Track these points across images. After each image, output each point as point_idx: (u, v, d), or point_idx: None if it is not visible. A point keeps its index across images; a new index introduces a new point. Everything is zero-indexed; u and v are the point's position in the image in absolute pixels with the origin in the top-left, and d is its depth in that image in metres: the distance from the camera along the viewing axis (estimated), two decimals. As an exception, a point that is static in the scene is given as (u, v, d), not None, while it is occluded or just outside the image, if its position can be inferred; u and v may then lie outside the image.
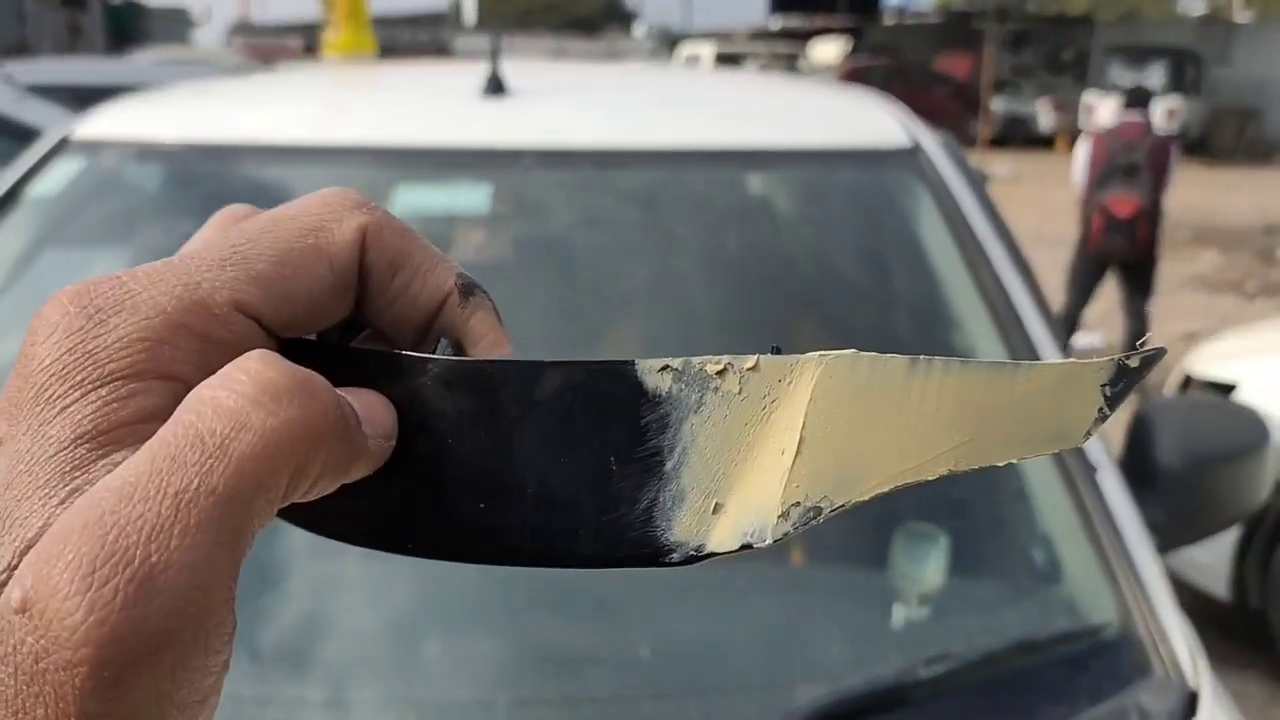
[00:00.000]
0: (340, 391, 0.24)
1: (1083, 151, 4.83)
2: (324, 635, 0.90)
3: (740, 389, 0.26)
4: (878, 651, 0.96)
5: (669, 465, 0.26)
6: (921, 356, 0.25)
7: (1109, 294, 4.92)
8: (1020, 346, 1.18)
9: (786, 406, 0.25)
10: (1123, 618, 0.92)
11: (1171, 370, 3.13)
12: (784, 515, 0.25)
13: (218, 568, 0.20)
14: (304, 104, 1.50)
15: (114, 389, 0.22)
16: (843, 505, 0.25)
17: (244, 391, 0.21)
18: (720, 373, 0.26)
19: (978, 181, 1.58)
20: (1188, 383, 2.83)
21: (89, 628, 0.19)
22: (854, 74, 15.67)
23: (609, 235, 1.42)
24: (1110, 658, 0.89)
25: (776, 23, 26.10)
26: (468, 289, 0.28)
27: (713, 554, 0.25)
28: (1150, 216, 4.59)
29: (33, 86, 4.06)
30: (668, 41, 24.71)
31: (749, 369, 0.26)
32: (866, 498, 0.25)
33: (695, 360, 0.26)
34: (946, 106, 15.60)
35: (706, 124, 1.52)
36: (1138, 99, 4.88)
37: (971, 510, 1.10)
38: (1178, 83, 15.89)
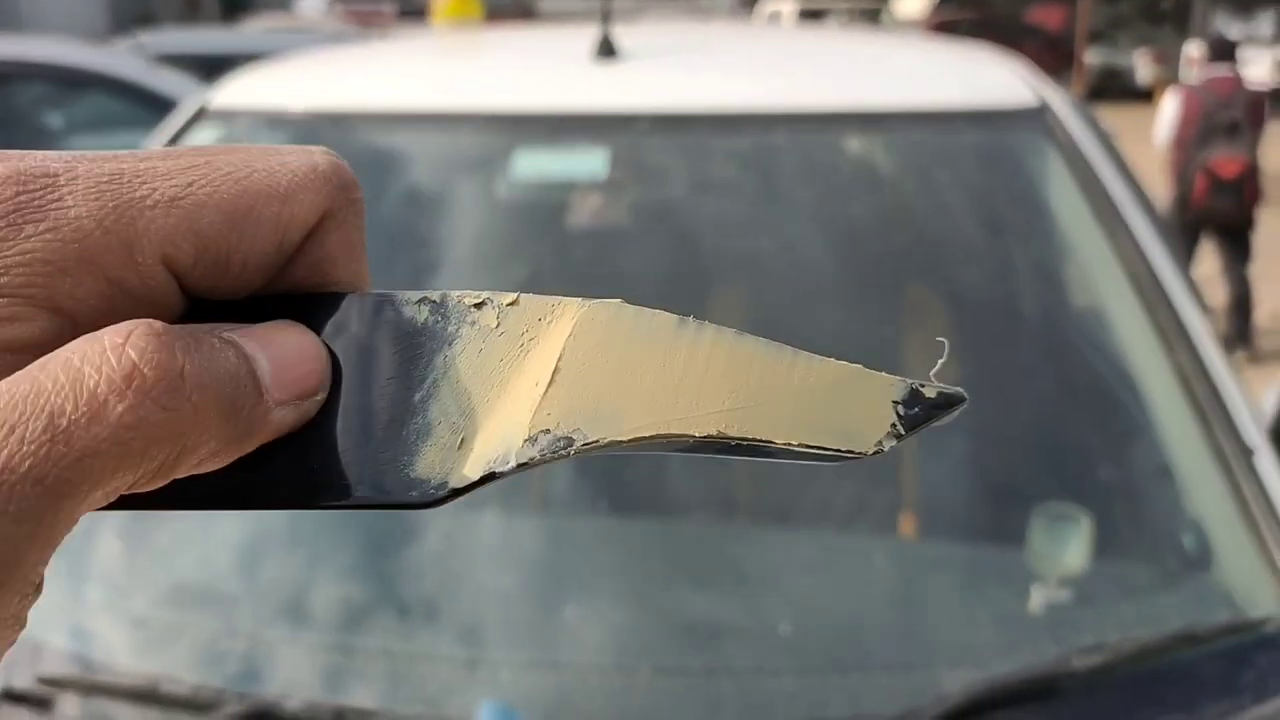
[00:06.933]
0: (256, 340, 0.22)
1: (1171, 107, 4.59)
2: (467, 596, 0.90)
3: (498, 324, 0.25)
4: (1020, 635, 0.93)
5: (416, 397, 0.25)
6: (690, 318, 0.24)
7: (1207, 258, 4.71)
8: (1165, 316, 1.13)
9: (545, 343, 0.25)
10: (1286, 609, 0.88)
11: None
12: (531, 440, 0.24)
13: (22, 562, 0.18)
14: (421, 71, 1.49)
15: None
16: (596, 441, 0.24)
17: (110, 374, 0.19)
18: (478, 306, 0.25)
19: (1110, 143, 1.50)
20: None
21: None
22: (941, 27, 15.19)
23: (725, 199, 1.40)
24: (1275, 652, 0.85)
25: (861, -25, 25.39)
26: None
27: (455, 491, 0.24)
28: (1254, 176, 4.37)
29: (160, 55, 4.18)
30: (748, -3, 24.22)
31: (508, 304, 0.25)
32: (625, 439, 0.24)
33: (454, 293, 0.26)
34: (1039, 59, 14.95)
35: (824, 85, 1.47)
36: (1224, 51, 4.62)
37: (1113, 490, 1.06)
38: (1289, 33, 15.07)
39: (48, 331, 0.21)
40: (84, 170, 0.21)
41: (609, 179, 1.33)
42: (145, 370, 0.19)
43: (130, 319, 0.21)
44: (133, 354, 0.20)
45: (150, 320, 0.20)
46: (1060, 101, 1.45)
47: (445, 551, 0.95)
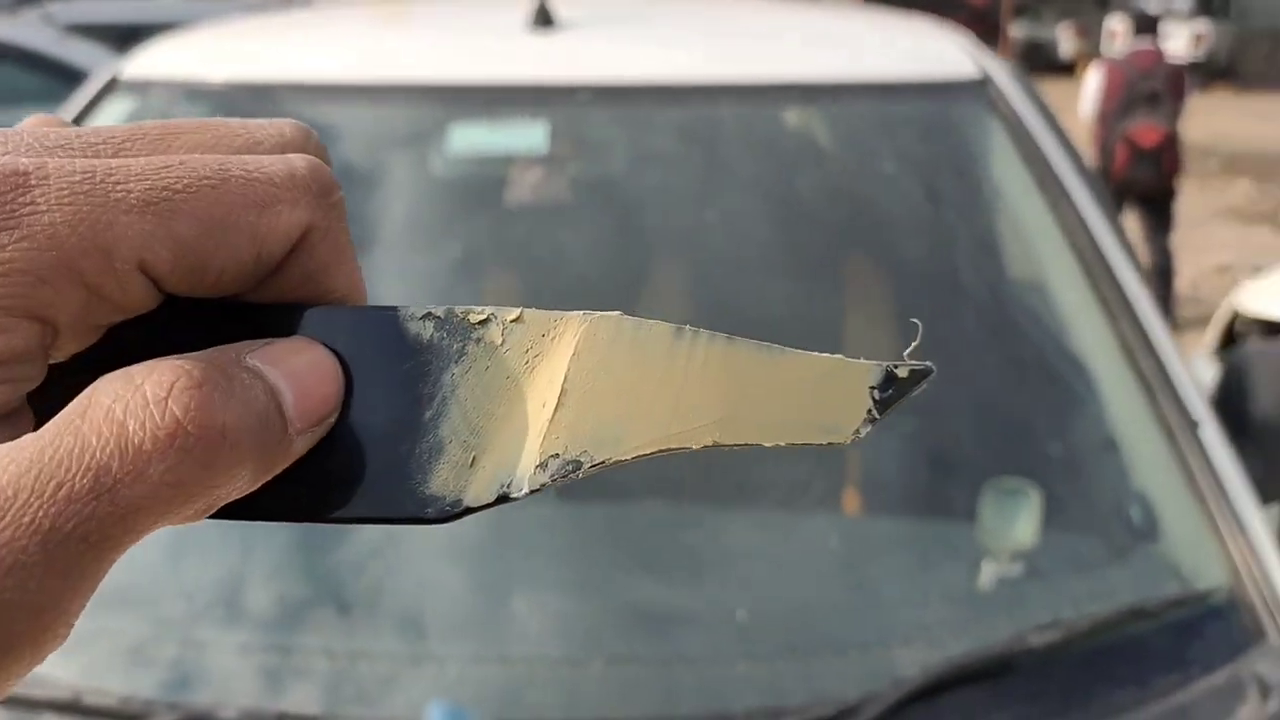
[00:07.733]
0: (279, 369, 0.23)
1: (1095, 80, 4.69)
2: (409, 590, 0.87)
3: (503, 340, 0.26)
4: (973, 612, 0.93)
5: (427, 415, 0.25)
6: (687, 326, 0.25)
7: (1130, 228, 4.82)
8: (1108, 288, 1.13)
9: (549, 360, 0.25)
10: (1232, 581, 0.88)
11: (1214, 306, 3.06)
12: (542, 466, 0.25)
13: (66, 612, 0.19)
14: (350, 41, 1.43)
15: None
16: (603, 462, 0.25)
17: (155, 431, 0.20)
18: (483, 323, 0.26)
19: (1051, 115, 1.51)
20: (1235, 320, 2.77)
21: None
22: (872, 0, 15.29)
23: (667, 172, 1.37)
24: (1223, 624, 0.86)
25: (791, -54, 25.40)
26: None
27: (469, 509, 0.25)
28: (1174, 146, 4.48)
29: (71, 25, 4.03)
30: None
31: (512, 320, 0.26)
32: (628, 457, 0.25)
33: (459, 309, 0.26)
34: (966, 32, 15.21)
35: (767, 56, 1.45)
36: (1146, 25, 4.74)
37: (1062, 465, 1.06)
38: (1205, 6, 15.46)
39: (31, 341, 0.21)
40: (54, 168, 0.21)
41: (549, 153, 1.29)
42: (189, 428, 0.20)
43: (108, 322, 0.22)
44: (176, 410, 0.20)
45: (188, 366, 0.21)
46: (1002, 73, 1.45)
47: (385, 543, 0.91)
